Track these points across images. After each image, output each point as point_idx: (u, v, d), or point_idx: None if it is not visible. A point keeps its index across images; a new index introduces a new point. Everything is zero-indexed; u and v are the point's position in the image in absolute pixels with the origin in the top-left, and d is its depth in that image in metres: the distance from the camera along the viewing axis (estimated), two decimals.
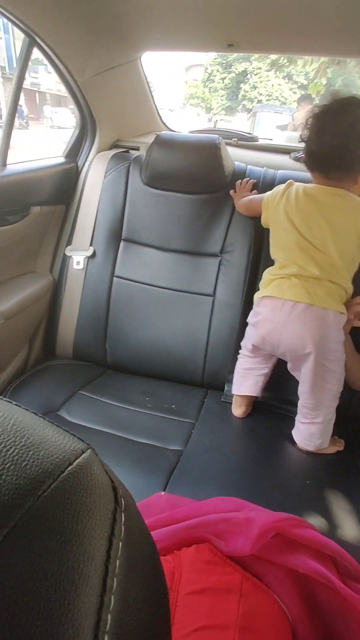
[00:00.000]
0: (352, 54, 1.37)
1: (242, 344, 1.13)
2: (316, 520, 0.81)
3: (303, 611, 0.65)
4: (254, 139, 1.67)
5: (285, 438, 1.05)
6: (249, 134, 1.70)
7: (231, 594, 0.60)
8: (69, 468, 0.20)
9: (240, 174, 1.28)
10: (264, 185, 1.25)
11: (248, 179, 1.25)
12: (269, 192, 1.09)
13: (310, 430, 1.01)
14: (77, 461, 0.21)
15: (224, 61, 15.64)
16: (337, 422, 1.02)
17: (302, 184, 1.02)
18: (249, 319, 1.07)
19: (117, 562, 0.20)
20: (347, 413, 1.10)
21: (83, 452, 0.21)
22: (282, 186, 1.05)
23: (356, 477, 0.97)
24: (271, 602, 0.63)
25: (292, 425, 1.05)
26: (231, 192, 1.24)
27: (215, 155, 1.21)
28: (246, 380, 1.12)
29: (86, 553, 0.18)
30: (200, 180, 1.24)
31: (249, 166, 1.32)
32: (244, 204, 1.20)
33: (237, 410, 1.12)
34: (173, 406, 1.12)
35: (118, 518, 0.21)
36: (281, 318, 0.97)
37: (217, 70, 16.24)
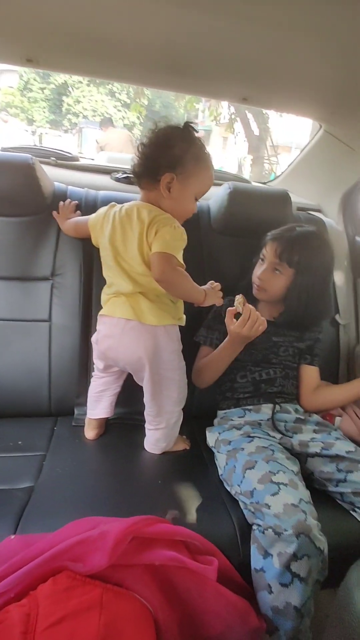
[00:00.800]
0: (156, 84, 1.48)
1: (94, 364, 1.14)
2: (169, 514, 0.89)
3: (163, 599, 0.72)
4: (74, 158, 1.69)
5: (139, 446, 1.12)
6: (69, 153, 1.71)
7: (92, 610, 0.63)
8: None
9: (61, 195, 1.29)
10: (86, 206, 1.28)
11: (70, 200, 1.27)
12: (94, 214, 1.12)
13: (155, 435, 1.09)
14: None
15: (40, 70, 15.06)
16: (184, 422, 1.13)
17: (126, 203, 1.05)
18: (92, 338, 1.10)
19: None
20: (190, 413, 1.21)
21: None
22: (105, 208, 1.09)
23: (202, 466, 1.09)
24: (132, 602, 0.68)
25: (144, 433, 1.12)
26: (54, 213, 1.24)
27: (30, 175, 1.18)
28: (100, 404, 1.15)
29: None
30: (17, 202, 1.21)
31: (69, 187, 1.34)
32: (71, 226, 1.22)
33: (90, 433, 1.14)
34: (19, 442, 1.07)
35: None
36: (116, 334, 1.02)
37: (35, 79, 15.62)
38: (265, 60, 1.08)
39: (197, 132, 1.01)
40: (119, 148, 4.35)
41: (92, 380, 1.16)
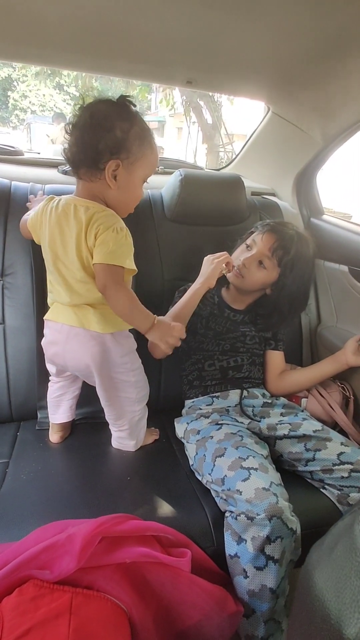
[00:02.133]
0: (96, 69, 1.44)
1: (48, 369, 1.09)
2: (140, 510, 0.87)
3: (136, 597, 0.70)
4: (18, 152, 1.62)
5: (106, 445, 1.09)
6: (12, 147, 1.63)
7: (61, 617, 0.60)
8: None
9: (4, 191, 1.23)
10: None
11: (33, 195, 1.18)
12: (32, 212, 1.00)
13: (120, 435, 1.07)
14: None
15: None
16: (151, 415, 1.11)
17: (63, 196, 0.94)
18: (42, 342, 1.03)
19: None
20: (157, 406, 1.20)
21: None
22: (43, 202, 0.96)
23: (172, 459, 1.08)
24: (103, 604, 0.66)
25: (110, 431, 1.09)
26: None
27: None
28: (59, 408, 1.10)
29: None
30: None
31: (13, 182, 1.27)
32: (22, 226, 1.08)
33: (54, 436, 1.10)
34: None
35: None
36: (61, 341, 0.96)
37: None
38: (206, 41, 1.06)
39: (134, 105, 0.88)
40: None
41: (49, 384, 1.12)
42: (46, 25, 1.03)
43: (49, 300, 1.00)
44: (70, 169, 1.41)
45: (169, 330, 0.89)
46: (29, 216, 1.01)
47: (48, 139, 4.51)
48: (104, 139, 0.84)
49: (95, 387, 1.02)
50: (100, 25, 1.02)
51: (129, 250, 0.88)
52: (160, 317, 0.91)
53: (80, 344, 0.94)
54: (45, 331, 1.01)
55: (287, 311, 1.17)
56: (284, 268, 1.11)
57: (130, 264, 0.88)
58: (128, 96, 0.88)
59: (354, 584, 0.30)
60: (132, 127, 0.85)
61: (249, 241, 1.16)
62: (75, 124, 0.86)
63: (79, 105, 0.87)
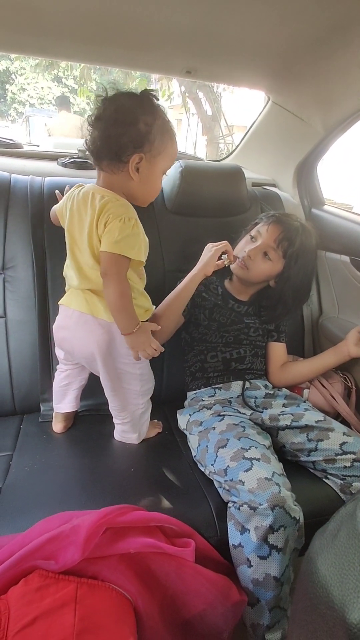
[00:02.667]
0: (94, 59, 1.43)
1: (56, 354, 1.10)
2: (143, 501, 0.88)
3: (141, 586, 0.71)
4: (18, 145, 1.61)
5: (109, 437, 1.10)
6: (11, 140, 1.62)
7: (66, 606, 0.61)
8: None
9: (4, 185, 1.22)
10: (32, 194, 1.22)
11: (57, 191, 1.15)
12: (61, 201, 1.01)
13: (123, 428, 1.07)
14: None
15: None
16: (153, 407, 1.11)
17: (87, 184, 0.95)
18: (54, 325, 1.05)
19: None
20: (160, 398, 1.20)
21: None
22: (72, 189, 0.98)
23: (175, 450, 1.08)
24: (108, 593, 0.67)
25: (114, 423, 1.09)
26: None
27: None
28: (65, 397, 1.11)
29: None
30: None
31: (13, 175, 1.27)
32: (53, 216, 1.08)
33: (58, 425, 1.11)
34: None
35: None
36: (70, 326, 0.98)
37: None
38: (206, 30, 1.05)
39: (157, 99, 0.89)
40: (68, 133, 4.15)
41: (56, 373, 1.12)
42: (44, 15, 1.02)
43: (66, 287, 1.02)
44: (71, 161, 1.41)
45: (147, 341, 0.92)
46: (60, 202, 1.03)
47: (46, 129, 4.36)
48: (128, 132, 0.85)
49: (99, 379, 1.02)
50: (99, 14, 1.00)
51: (135, 241, 0.89)
52: (147, 324, 0.94)
53: (88, 331, 0.95)
54: (57, 317, 1.02)
55: (291, 302, 1.17)
56: (289, 260, 1.11)
57: (136, 255, 0.89)
58: (152, 90, 0.89)
59: (358, 569, 0.30)
60: (156, 121, 0.86)
61: (253, 232, 1.16)
62: (98, 117, 0.86)
63: (102, 97, 0.87)
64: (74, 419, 1.15)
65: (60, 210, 1.00)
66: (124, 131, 0.84)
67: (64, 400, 1.11)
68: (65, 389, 1.11)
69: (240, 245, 1.17)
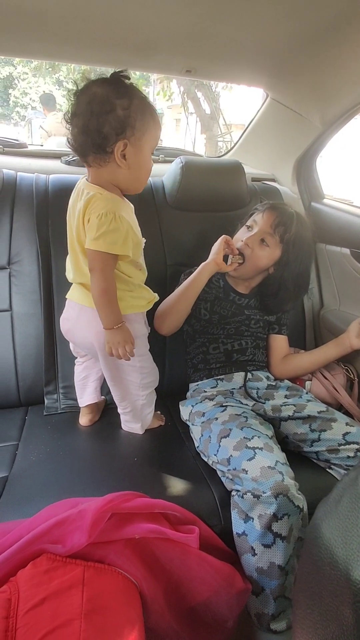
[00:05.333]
0: (95, 61, 1.43)
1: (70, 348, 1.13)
2: (147, 489, 0.88)
3: (146, 571, 0.72)
4: (22, 145, 1.64)
5: (113, 427, 1.11)
6: (16, 140, 1.66)
7: (74, 588, 0.62)
8: None
9: (10, 182, 1.25)
10: (37, 191, 1.25)
11: None
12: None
13: (125, 418, 1.09)
14: None
15: None
16: (157, 399, 1.12)
17: (82, 180, 0.95)
18: (60, 317, 1.07)
19: None
20: (162, 390, 1.20)
21: None
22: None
23: (178, 441, 1.09)
24: (115, 577, 0.68)
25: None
26: None
27: None
28: (85, 390, 1.13)
29: None
30: None
31: (19, 173, 1.30)
32: None
33: (83, 419, 1.13)
34: None
35: None
36: (73, 317, 1.01)
37: None
38: (204, 29, 1.06)
39: (128, 79, 0.86)
40: (66, 132, 4.00)
41: (75, 368, 1.15)
42: (49, 20, 1.04)
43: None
44: (74, 159, 1.42)
45: (122, 341, 0.92)
46: None
47: (43, 132, 4.19)
48: (107, 121, 0.82)
49: None
50: (102, 18, 1.02)
51: (117, 236, 0.87)
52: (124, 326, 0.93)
53: (87, 322, 0.96)
54: (64, 310, 1.05)
55: (292, 289, 1.18)
56: (287, 245, 1.13)
57: (119, 250, 0.87)
58: (121, 71, 0.86)
59: None
60: (132, 102, 0.84)
61: (249, 222, 1.18)
62: (74, 113, 0.85)
63: (74, 92, 0.85)
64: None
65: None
66: (102, 121, 0.82)
67: (85, 393, 1.13)
68: (84, 381, 1.13)
69: (237, 236, 1.19)
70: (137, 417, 1.08)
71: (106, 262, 0.88)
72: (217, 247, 1.11)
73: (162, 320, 1.15)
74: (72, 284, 1.03)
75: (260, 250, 1.13)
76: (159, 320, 1.15)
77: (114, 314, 0.91)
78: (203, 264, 1.12)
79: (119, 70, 0.86)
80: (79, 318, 0.99)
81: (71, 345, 1.11)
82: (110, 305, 0.91)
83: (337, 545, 0.33)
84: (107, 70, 0.90)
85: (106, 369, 1.02)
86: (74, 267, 0.97)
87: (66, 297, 1.04)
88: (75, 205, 0.92)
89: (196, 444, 1.05)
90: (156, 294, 1.05)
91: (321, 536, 0.34)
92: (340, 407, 1.21)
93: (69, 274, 1.00)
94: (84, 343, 1.01)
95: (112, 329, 0.91)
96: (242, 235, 1.17)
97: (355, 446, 0.95)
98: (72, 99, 0.85)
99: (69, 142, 0.88)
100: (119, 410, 1.09)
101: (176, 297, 1.13)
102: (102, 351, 0.97)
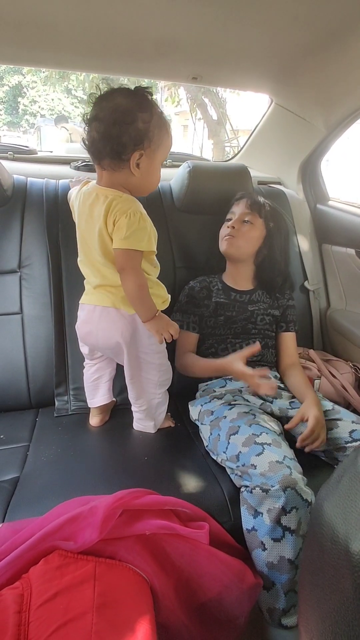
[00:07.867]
0: (103, 69, 1.47)
1: (82, 351, 1.14)
2: (157, 487, 0.89)
3: (157, 567, 0.73)
4: (32, 151, 1.68)
5: (124, 427, 1.13)
6: (26, 147, 1.70)
7: (85, 583, 0.63)
8: None
9: (21, 187, 1.28)
10: (47, 196, 1.28)
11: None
12: (74, 188, 1.06)
13: (139, 416, 1.10)
14: None
15: None
16: (169, 399, 1.14)
17: (92, 182, 0.99)
18: (76, 324, 1.08)
19: None
20: (172, 391, 1.20)
21: None
22: (80, 185, 1.02)
23: (188, 441, 1.10)
24: (126, 572, 0.69)
25: (131, 415, 1.12)
26: None
27: None
28: (98, 391, 1.14)
29: None
30: None
31: (29, 178, 1.33)
32: None
33: (94, 419, 1.14)
34: (1, 436, 1.06)
35: None
36: (94, 320, 1.01)
37: None
38: (210, 37, 1.09)
39: (152, 95, 0.91)
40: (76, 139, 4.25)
41: (84, 370, 1.16)
42: (60, 31, 1.07)
43: (86, 285, 1.06)
44: (83, 164, 1.45)
45: (166, 325, 0.98)
46: (73, 190, 1.08)
47: (64, 131, 4.47)
48: (128, 132, 0.87)
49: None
50: (111, 29, 1.06)
51: (144, 234, 0.92)
52: (161, 313, 0.99)
53: (111, 322, 0.99)
54: (79, 313, 1.07)
55: (284, 265, 1.26)
56: (266, 218, 1.22)
57: (146, 246, 0.93)
58: (146, 87, 0.91)
59: (359, 506, 0.33)
60: (152, 117, 0.89)
61: (228, 216, 1.26)
62: (96, 117, 0.88)
63: (97, 96, 0.89)
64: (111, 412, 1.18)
65: (72, 203, 1.05)
66: (123, 131, 0.87)
67: (97, 394, 1.14)
68: (96, 383, 1.14)
69: (222, 232, 1.25)
70: (150, 415, 1.09)
71: (136, 259, 0.93)
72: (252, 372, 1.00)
73: (184, 372, 1.21)
74: (83, 287, 1.05)
75: (245, 229, 1.21)
76: (183, 369, 1.20)
77: (151, 305, 0.97)
78: (230, 364, 1.04)
79: (144, 86, 0.91)
80: (101, 319, 1.00)
81: (84, 348, 1.11)
82: (147, 298, 0.96)
83: (337, 522, 0.34)
84: (116, 79, 0.93)
85: (128, 367, 1.04)
86: (92, 271, 0.99)
87: (80, 302, 1.05)
88: (92, 210, 0.94)
89: (205, 444, 1.06)
90: (169, 295, 1.08)
91: (323, 514, 0.35)
92: (348, 406, 1.21)
93: (89, 279, 1.02)
94: (108, 344, 1.02)
95: (154, 318, 0.96)
96: (225, 230, 1.24)
97: None
98: (94, 103, 0.89)
99: (85, 144, 0.92)
100: (134, 409, 1.11)
101: (199, 370, 1.17)
102: (128, 349, 1.00)
